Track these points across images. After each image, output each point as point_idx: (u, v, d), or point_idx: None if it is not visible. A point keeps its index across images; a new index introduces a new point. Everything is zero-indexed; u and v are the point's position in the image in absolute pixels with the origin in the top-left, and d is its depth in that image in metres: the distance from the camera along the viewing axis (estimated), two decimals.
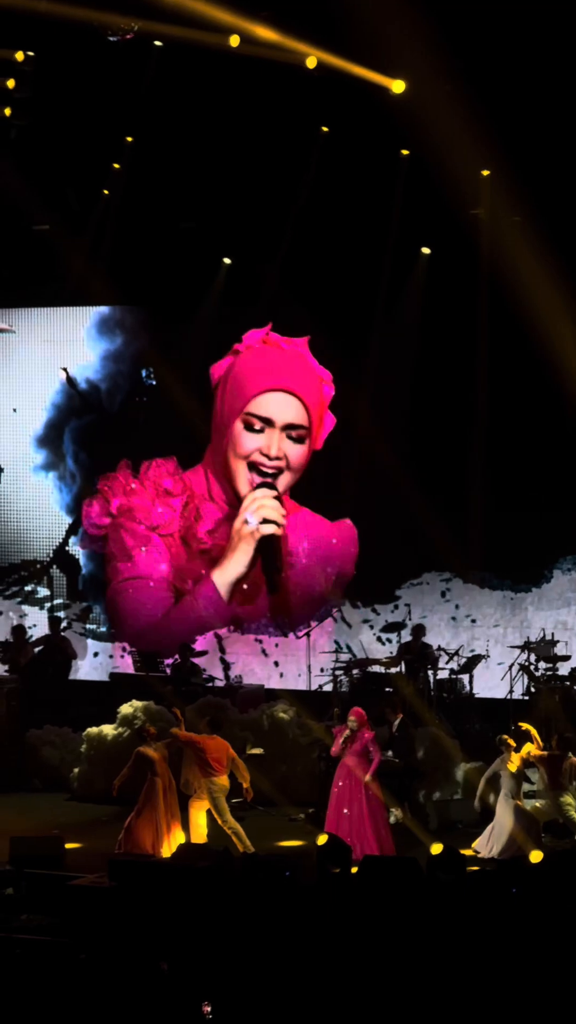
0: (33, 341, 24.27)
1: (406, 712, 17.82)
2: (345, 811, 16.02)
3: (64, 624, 22.98)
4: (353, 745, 16.09)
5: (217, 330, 22.45)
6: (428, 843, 15.29)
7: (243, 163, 21.40)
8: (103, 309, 23.85)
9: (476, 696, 20.74)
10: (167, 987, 10.14)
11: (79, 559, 23.10)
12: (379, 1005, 9.67)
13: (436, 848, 14.56)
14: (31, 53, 19.78)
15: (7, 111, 20.23)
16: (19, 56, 19.82)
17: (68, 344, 24.03)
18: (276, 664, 22.62)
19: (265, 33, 19.40)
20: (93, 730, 19.74)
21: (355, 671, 20.88)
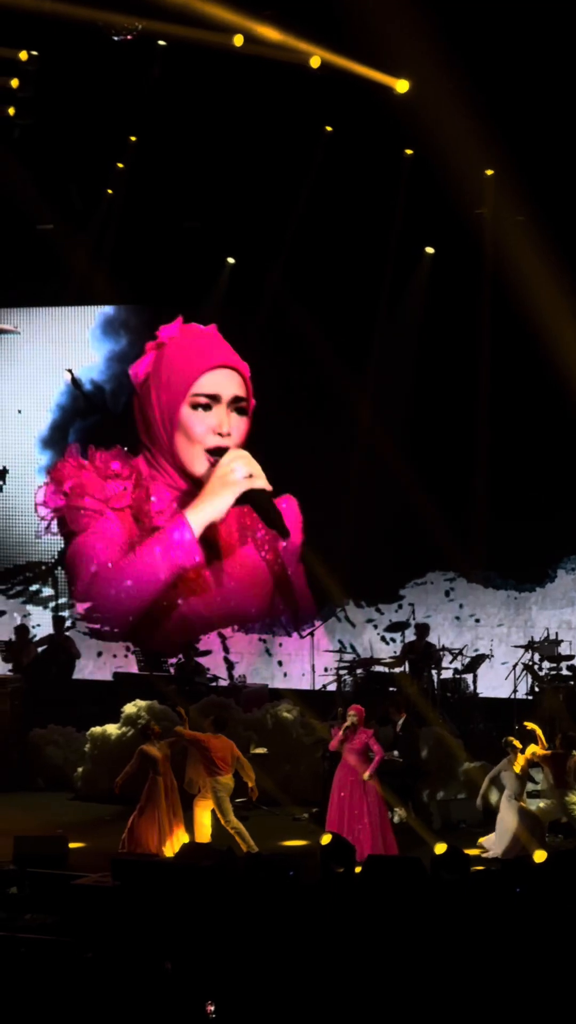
0: (38, 342, 24.28)
1: (410, 711, 17.81)
2: (346, 809, 16.00)
3: (68, 624, 22.98)
4: (352, 742, 16.06)
5: (221, 330, 22.44)
6: (432, 843, 15.28)
7: (246, 163, 21.38)
8: (108, 310, 23.85)
9: (480, 696, 20.73)
10: (171, 987, 10.13)
11: None
12: (383, 1005, 9.67)
13: (440, 848, 14.55)
14: (35, 52, 19.79)
15: (11, 110, 20.25)
16: (23, 55, 19.83)
17: (73, 345, 24.04)
18: (280, 664, 22.64)
19: (269, 33, 19.37)
20: (97, 729, 19.74)
21: (359, 671, 20.88)
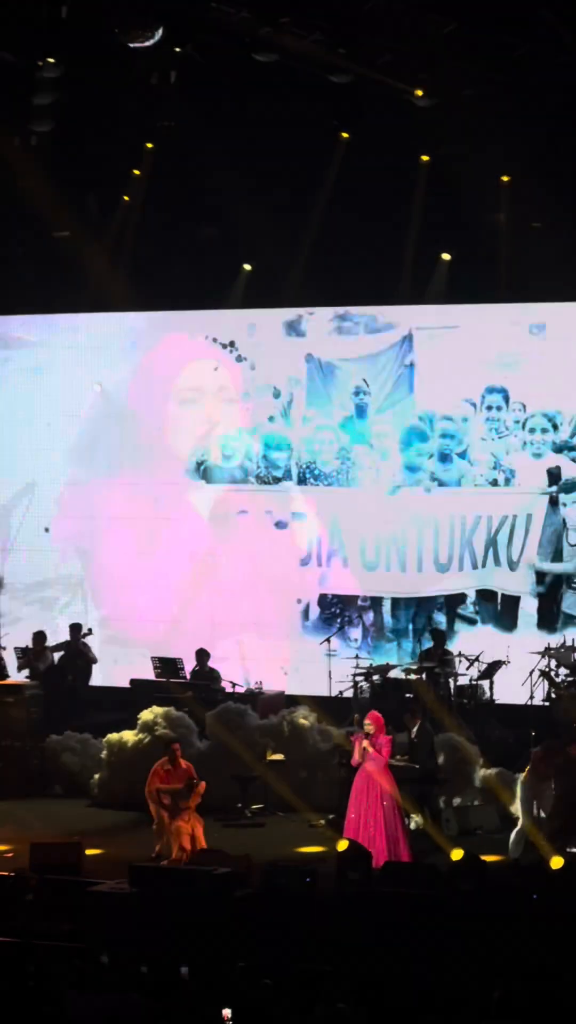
0: (63, 351, 23.97)
1: (425, 718, 17.75)
2: (362, 816, 15.95)
3: (85, 630, 22.92)
4: (371, 752, 15.96)
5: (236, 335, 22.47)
6: (448, 849, 15.25)
7: (263, 169, 21.40)
8: (136, 323, 23.68)
9: (496, 702, 20.68)
10: (186, 993, 10.14)
11: None
12: (398, 1011, 9.66)
13: (457, 854, 14.54)
14: (52, 60, 19.83)
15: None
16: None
17: (97, 354, 23.81)
18: (297, 670, 22.59)
19: (287, 40, 19.36)
20: (114, 736, 19.73)
21: (375, 677, 20.84)
